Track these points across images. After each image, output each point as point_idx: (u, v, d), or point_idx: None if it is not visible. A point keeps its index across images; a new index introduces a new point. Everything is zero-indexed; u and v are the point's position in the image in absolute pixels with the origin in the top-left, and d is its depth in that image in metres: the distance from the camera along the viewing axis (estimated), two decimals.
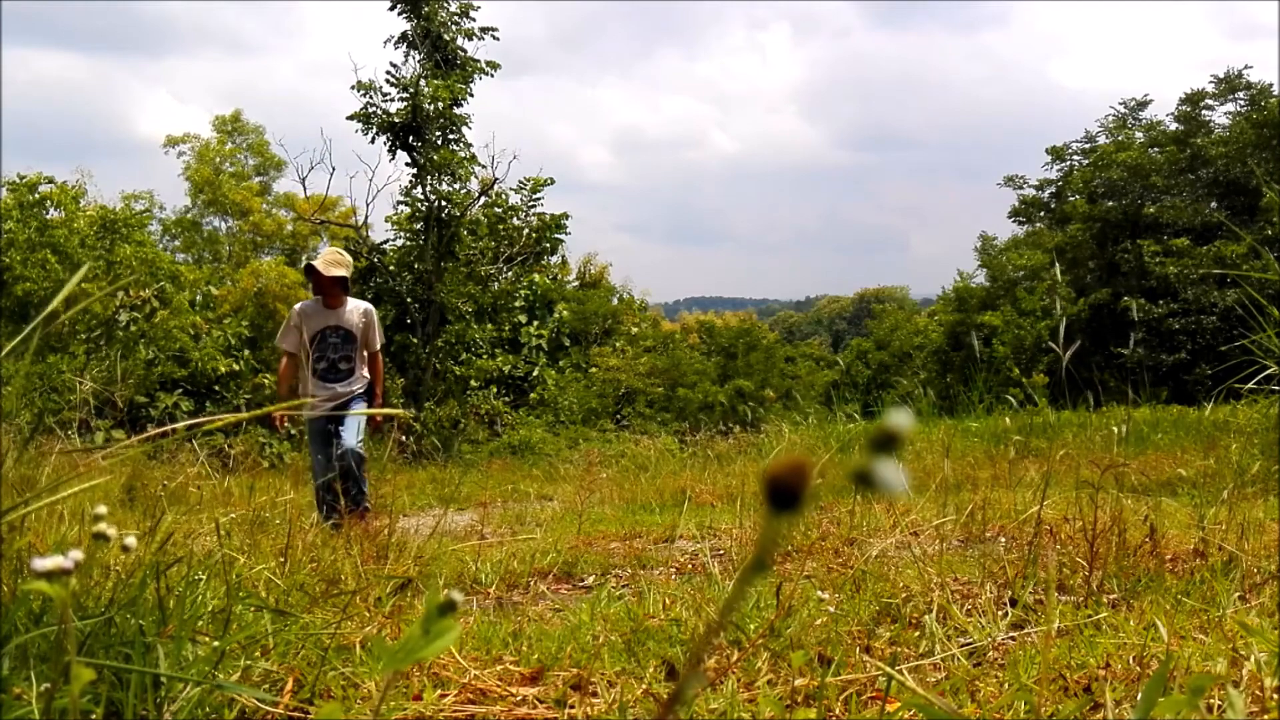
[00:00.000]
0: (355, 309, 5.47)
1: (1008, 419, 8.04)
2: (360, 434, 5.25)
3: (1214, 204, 23.13)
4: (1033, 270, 23.60)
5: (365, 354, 5.53)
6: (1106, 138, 25.18)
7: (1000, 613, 1.87)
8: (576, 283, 23.51)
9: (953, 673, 1.49)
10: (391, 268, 15.18)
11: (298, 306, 5.47)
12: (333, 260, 5.43)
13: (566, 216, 17.20)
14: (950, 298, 26.17)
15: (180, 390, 13.29)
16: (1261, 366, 2.75)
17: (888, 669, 1.26)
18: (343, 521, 4.30)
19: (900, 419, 0.40)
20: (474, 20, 15.59)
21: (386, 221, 16.53)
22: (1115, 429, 4.27)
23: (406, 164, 15.00)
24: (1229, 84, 23.55)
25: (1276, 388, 2.79)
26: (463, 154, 15.05)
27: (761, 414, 15.12)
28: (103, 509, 0.86)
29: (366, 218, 15.47)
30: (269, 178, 27.25)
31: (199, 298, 15.42)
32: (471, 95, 15.29)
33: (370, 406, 5.53)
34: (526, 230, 16.63)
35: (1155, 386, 16.73)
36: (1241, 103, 23.43)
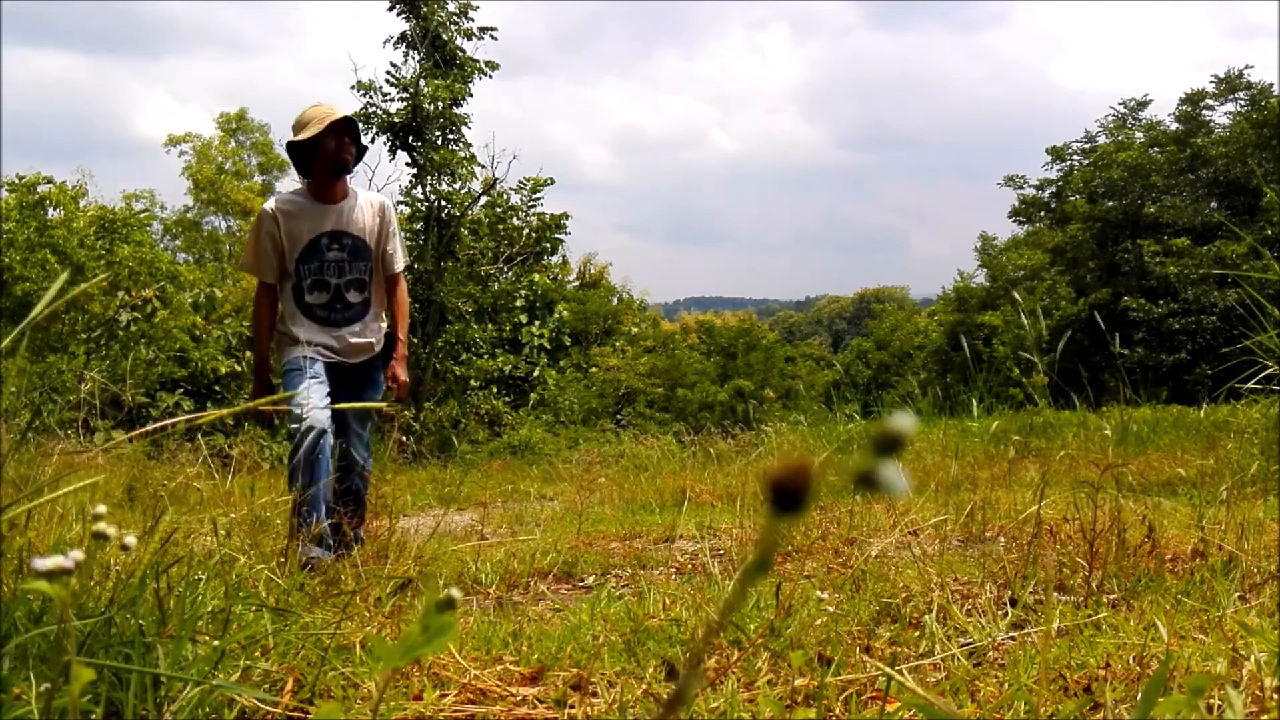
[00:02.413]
0: (367, 204, 3.58)
1: (1003, 420, 8.05)
2: (369, 444, 3.67)
3: (1214, 204, 23.14)
4: (1033, 270, 23.61)
5: (383, 279, 3.62)
6: (1106, 138, 25.19)
7: (1000, 613, 1.87)
8: (577, 283, 23.52)
9: (953, 673, 1.49)
10: None
11: (270, 204, 3.55)
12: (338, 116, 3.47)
13: (566, 216, 17.21)
14: (950, 298, 26.18)
15: (181, 390, 13.30)
16: (1262, 366, 2.75)
17: (888, 669, 1.26)
18: (330, 556, 2.98)
19: (903, 420, 0.40)
20: (473, 20, 15.60)
21: None
22: (1109, 431, 4.28)
23: (406, 164, 15.01)
24: (1229, 84, 23.56)
25: (1277, 388, 2.79)
26: (463, 154, 15.06)
27: (761, 414, 15.12)
28: (102, 508, 0.86)
29: None
30: (273, 177, 27.29)
31: (201, 298, 15.43)
32: (471, 95, 15.30)
33: (389, 365, 3.66)
34: (526, 230, 16.63)
35: (1155, 386, 16.73)
36: (1241, 103, 23.44)
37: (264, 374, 3.61)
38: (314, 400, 3.31)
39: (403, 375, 3.71)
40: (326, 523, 3.09)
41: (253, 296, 3.80)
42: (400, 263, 3.72)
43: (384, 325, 3.68)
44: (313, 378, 3.39)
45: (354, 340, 3.54)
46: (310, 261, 3.50)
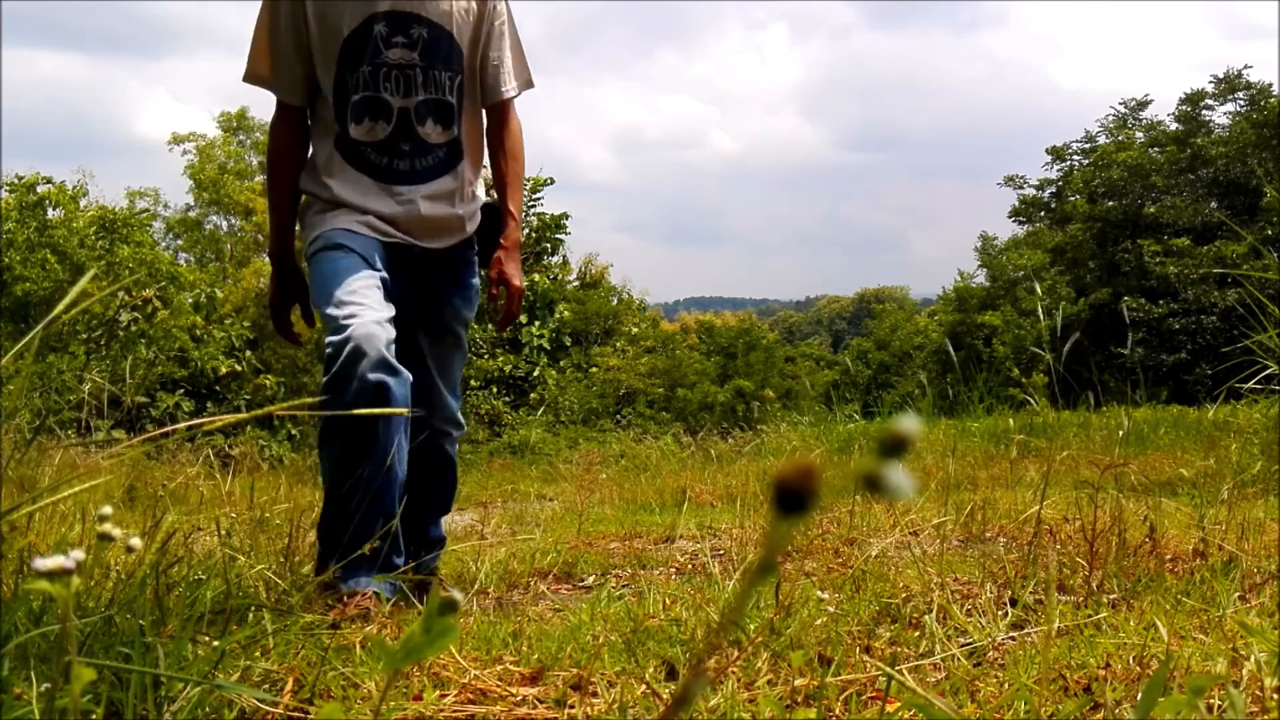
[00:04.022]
0: None
1: (1011, 420, 8.06)
2: (459, 395, 2.40)
3: (1214, 204, 23.14)
4: (1033, 270, 23.62)
5: (481, 105, 2.33)
6: (1106, 138, 25.21)
7: (1000, 613, 1.87)
8: (577, 283, 23.51)
9: (953, 673, 1.49)
10: None
11: None
12: None
13: (566, 216, 17.25)
14: (950, 298, 26.18)
15: (181, 390, 13.30)
16: (1262, 366, 2.75)
17: (888, 669, 1.26)
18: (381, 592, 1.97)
19: (909, 423, 0.40)
20: None
21: None
22: (1121, 432, 4.28)
23: None
24: (1229, 84, 23.57)
25: (1277, 387, 2.79)
26: None
27: (761, 414, 15.12)
28: (108, 509, 0.86)
29: None
30: None
31: (202, 298, 15.43)
32: None
33: (491, 260, 2.32)
34: (526, 230, 16.65)
35: (1155, 386, 16.74)
36: (1241, 103, 23.46)
37: (288, 275, 2.30)
38: (368, 302, 1.99)
39: (515, 277, 2.32)
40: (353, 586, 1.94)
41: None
42: (512, 82, 2.31)
43: (482, 191, 2.39)
44: (363, 264, 2.08)
45: (429, 209, 2.20)
46: (357, 65, 2.14)
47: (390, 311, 2.05)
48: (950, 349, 8.25)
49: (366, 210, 2.18)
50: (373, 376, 1.91)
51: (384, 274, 2.12)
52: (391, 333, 1.99)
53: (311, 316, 2.33)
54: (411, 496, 2.17)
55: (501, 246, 2.33)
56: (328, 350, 1.97)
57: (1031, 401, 8.24)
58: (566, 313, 19.29)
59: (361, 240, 2.14)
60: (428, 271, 2.28)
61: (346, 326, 1.94)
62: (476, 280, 2.41)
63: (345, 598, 1.88)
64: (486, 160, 2.43)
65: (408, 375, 2.02)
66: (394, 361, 1.97)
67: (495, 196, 2.46)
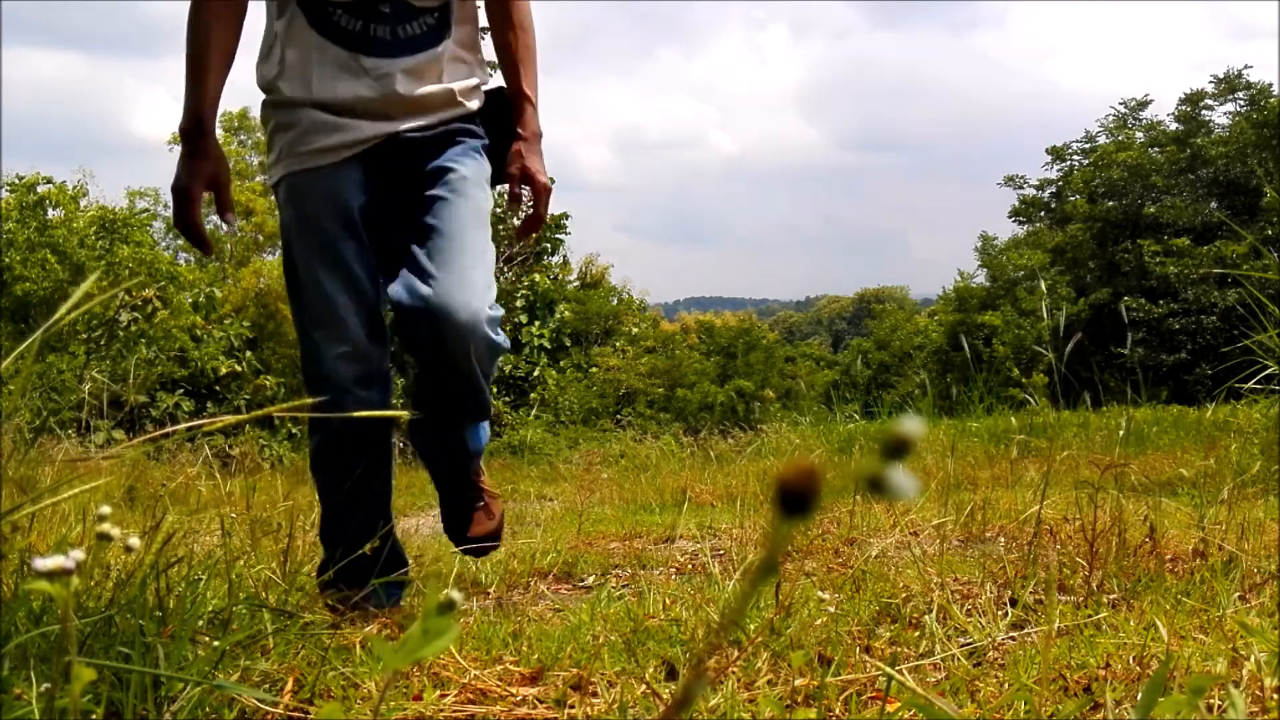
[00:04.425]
0: None
1: (1013, 419, 8.06)
2: (490, 283, 1.82)
3: (1214, 204, 23.16)
4: (1033, 270, 23.65)
5: None
6: (1106, 138, 25.24)
7: (1000, 613, 1.87)
8: (577, 283, 23.53)
9: (953, 673, 1.49)
10: None
11: None
12: None
13: (567, 216, 17.26)
14: (950, 298, 26.20)
15: (181, 390, 13.30)
16: (1262, 366, 2.75)
17: (888, 669, 1.26)
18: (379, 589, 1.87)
19: (911, 425, 0.40)
20: None
21: None
22: (1119, 431, 4.29)
23: None
24: (1229, 84, 23.60)
25: (1277, 387, 2.80)
26: None
27: (761, 414, 15.13)
28: (107, 509, 0.87)
29: None
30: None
31: (201, 298, 15.43)
32: None
33: (509, 155, 1.96)
34: None
35: (1155, 386, 16.75)
36: (1241, 103, 23.48)
37: (203, 150, 1.90)
38: (347, 316, 1.78)
39: (540, 173, 1.96)
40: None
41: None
42: None
43: (480, 74, 2.01)
44: (344, 234, 1.78)
45: (407, 87, 1.79)
46: None
47: (372, 319, 1.86)
48: (965, 345, 8.27)
49: (334, 104, 1.76)
50: (357, 420, 1.78)
51: (360, 240, 1.82)
52: (371, 361, 1.84)
53: (230, 206, 1.95)
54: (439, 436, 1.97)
55: (520, 137, 1.95)
56: (306, 383, 1.85)
57: (1031, 401, 8.25)
58: (567, 313, 19.30)
59: (331, 184, 1.78)
60: (411, 156, 1.83)
61: (324, 365, 1.80)
62: (483, 160, 1.91)
63: (345, 601, 1.84)
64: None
65: (389, 392, 1.92)
66: (372, 396, 1.85)
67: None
